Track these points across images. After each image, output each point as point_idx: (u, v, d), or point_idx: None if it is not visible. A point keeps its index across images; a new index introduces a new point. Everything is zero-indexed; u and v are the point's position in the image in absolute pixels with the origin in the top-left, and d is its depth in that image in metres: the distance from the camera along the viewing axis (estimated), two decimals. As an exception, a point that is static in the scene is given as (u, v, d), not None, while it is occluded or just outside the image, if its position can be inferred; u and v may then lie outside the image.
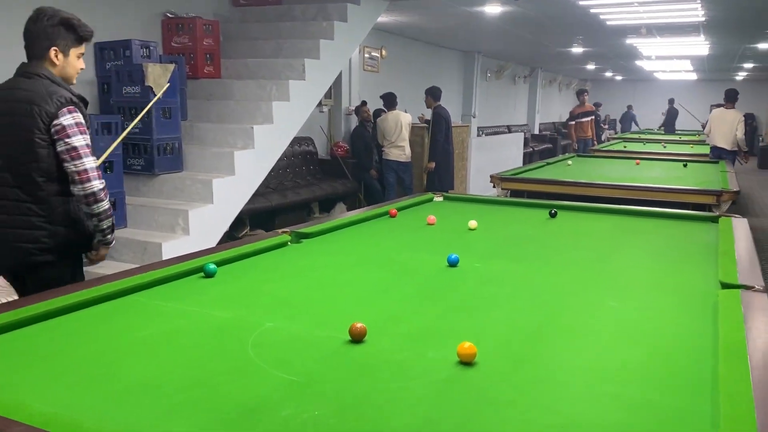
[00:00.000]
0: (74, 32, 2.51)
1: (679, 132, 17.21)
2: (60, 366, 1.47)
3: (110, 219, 2.57)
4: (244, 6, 6.42)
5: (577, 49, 11.89)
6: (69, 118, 2.42)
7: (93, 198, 2.48)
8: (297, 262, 2.45)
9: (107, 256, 2.76)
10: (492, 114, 14.00)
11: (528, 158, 12.21)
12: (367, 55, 9.14)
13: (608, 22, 8.00)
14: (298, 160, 7.39)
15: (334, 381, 1.39)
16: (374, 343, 1.59)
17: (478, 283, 2.20)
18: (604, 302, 2.00)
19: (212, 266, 2.18)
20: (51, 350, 1.56)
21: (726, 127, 8.07)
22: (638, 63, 14.64)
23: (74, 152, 2.42)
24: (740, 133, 7.95)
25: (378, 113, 8.47)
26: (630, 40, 9.80)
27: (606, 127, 17.32)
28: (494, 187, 5.37)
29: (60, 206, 2.49)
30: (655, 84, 21.64)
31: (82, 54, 2.58)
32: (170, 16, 5.59)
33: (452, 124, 7.88)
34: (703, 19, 7.43)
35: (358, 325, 1.60)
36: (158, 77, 4.49)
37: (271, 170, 5.21)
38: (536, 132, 16.57)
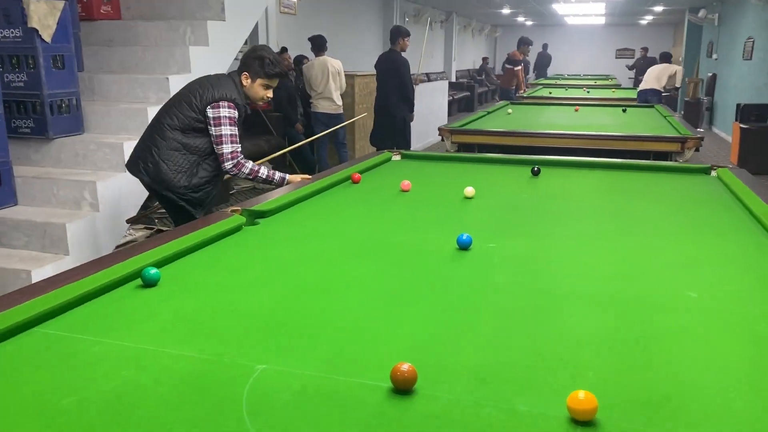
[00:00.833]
0: None
1: (591, 76, 17.42)
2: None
3: None
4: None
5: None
6: None
7: None
8: (264, 254, 1.87)
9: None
10: (412, 61, 13.42)
11: (450, 108, 11.81)
12: (283, -3, 8.30)
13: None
14: (215, 115, 6.59)
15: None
16: (430, 392, 1.07)
17: (517, 275, 1.70)
18: (686, 290, 1.56)
19: (153, 271, 1.57)
20: None
21: (659, 72, 8.74)
22: (554, 6, 14.46)
23: None
24: (678, 83, 8.72)
25: (300, 60, 7.72)
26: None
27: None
28: (443, 140, 4.89)
29: None
30: (565, 29, 21.75)
31: None
32: (53, -56, 4.61)
33: (360, 73, 7.32)
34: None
35: (405, 367, 1.07)
36: (44, 17, 3.63)
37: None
38: (453, 80, 16.19)
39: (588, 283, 1.63)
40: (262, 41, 7.48)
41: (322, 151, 7.03)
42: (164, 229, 4.48)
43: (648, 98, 8.17)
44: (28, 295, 1.41)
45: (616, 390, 1.08)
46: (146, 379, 1.13)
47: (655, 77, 8.64)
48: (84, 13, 4.57)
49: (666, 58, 9.33)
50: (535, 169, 3.09)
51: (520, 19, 19.66)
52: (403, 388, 1.07)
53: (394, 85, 6.45)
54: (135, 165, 2.99)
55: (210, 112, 2.90)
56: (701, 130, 10.11)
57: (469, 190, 2.59)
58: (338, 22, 9.93)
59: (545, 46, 17.37)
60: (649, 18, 18.88)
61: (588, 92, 10.22)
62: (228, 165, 2.95)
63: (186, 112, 2.92)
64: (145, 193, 3.88)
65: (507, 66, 10.51)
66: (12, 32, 3.68)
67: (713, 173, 3.11)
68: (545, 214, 2.38)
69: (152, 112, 3.85)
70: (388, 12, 11.97)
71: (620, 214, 2.36)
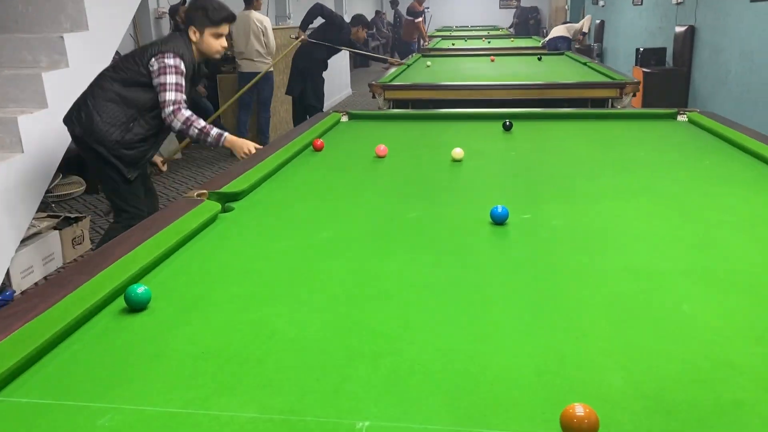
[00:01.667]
0: None
1: (479, 27, 17.49)
2: None
3: None
4: None
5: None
6: None
7: None
8: (268, 251, 1.49)
9: None
10: (302, 14, 12.77)
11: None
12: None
13: None
14: (106, 80, 5.81)
15: None
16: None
17: (586, 253, 1.44)
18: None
19: (141, 289, 1.17)
20: None
21: (566, 26, 9.10)
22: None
23: None
24: (585, 28, 8.98)
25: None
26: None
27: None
28: (374, 97, 4.55)
29: None
30: (450, -21, 21.63)
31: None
32: None
33: (272, 28, 6.77)
34: None
35: (579, 411, 0.78)
36: None
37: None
38: (346, 34, 15.62)
39: (673, 254, 1.40)
40: (151, -6, 6.68)
41: (244, 115, 6.45)
42: (70, 216, 3.87)
43: (558, 45, 8.17)
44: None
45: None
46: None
47: (564, 27, 8.68)
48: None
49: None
50: (507, 123, 2.85)
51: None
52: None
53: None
54: (69, 116, 2.84)
55: (154, 63, 2.75)
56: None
57: (458, 152, 2.31)
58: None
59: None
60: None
61: (489, 42, 10.14)
62: (167, 110, 2.75)
63: (129, 65, 2.80)
64: (46, 180, 3.28)
65: (408, 18, 10.19)
66: None
67: (681, 117, 3.02)
68: (551, 173, 2.15)
69: (49, 79, 3.22)
70: (279, -38, 11.22)
71: (629, 168, 2.17)
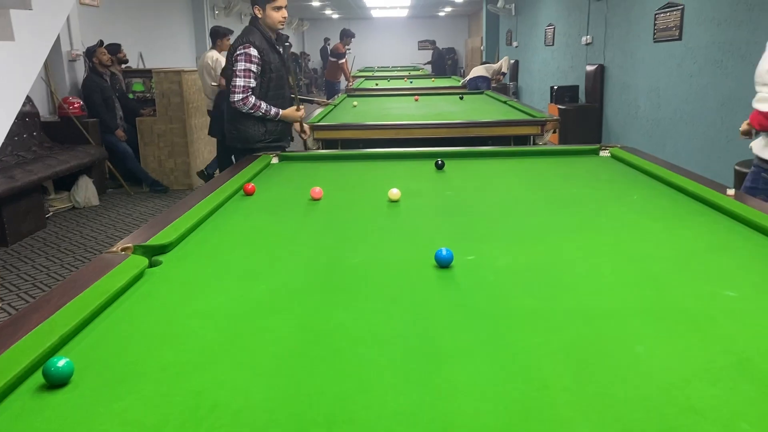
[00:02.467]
0: None
1: (400, 67, 17.89)
2: None
3: None
4: None
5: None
6: None
7: None
8: (199, 308, 1.39)
9: None
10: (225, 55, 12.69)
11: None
12: (82, -15, 7.22)
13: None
14: (16, 126, 5.49)
15: None
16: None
17: (539, 296, 1.42)
18: (719, 291, 1.39)
19: (62, 362, 1.05)
20: None
21: (485, 67, 9.09)
22: (364, -2, 14.50)
23: None
24: (505, 68, 8.97)
25: (116, 49, 6.80)
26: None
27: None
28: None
29: None
30: (370, 22, 22.11)
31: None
32: None
33: (187, 69, 6.69)
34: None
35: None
36: None
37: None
38: (269, 74, 15.60)
39: (620, 293, 1.40)
40: (63, 34, 6.43)
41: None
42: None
43: (478, 85, 8.40)
44: None
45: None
46: None
47: (483, 67, 8.91)
48: None
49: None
50: (439, 162, 2.85)
51: (328, 12, 19.57)
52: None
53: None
54: (220, 133, 3.69)
55: (236, 53, 3.36)
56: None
57: (395, 193, 2.28)
58: (144, 14, 8.97)
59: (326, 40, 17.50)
60: (447, 9, 19.81)
61: (411, 82, 10.34)
62: (236, 97, 3.33)
63: (228, 73, 3.43)
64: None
65: (332, 59, 10.29)
66: None
67: (603, 153, 3.12)
68: (489, 212, 2.16)
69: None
70: (198, 4, 11.13)
71: (563, 204, 2.20)
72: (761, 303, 1.34)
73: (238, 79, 3.34)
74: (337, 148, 4.20)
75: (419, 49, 23.09)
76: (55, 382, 1.03)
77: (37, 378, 1.06)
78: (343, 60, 10.01)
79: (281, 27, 3.48)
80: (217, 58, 6.18)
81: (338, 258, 1.69)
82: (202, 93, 6.92)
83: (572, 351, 1.14)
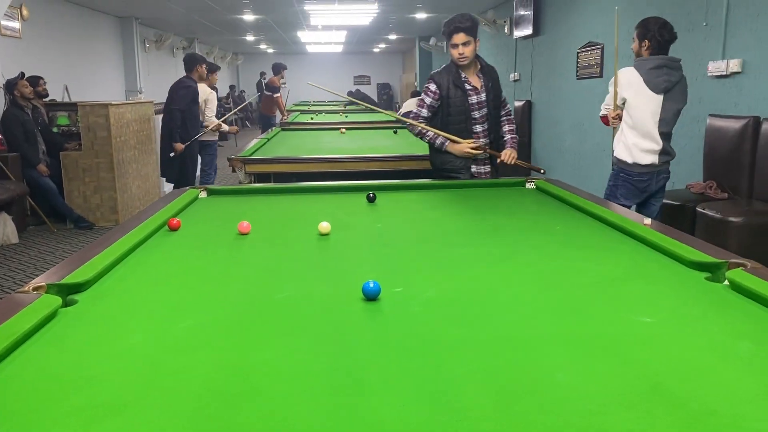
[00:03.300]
0: None
1: (336, 102, 18.00)
2: None
3: None
4: None
5: (248, 17, 11.20)
6: None
7: None
8: (112, 351, 1.33)
9: None
10: (156, 89, 12.46)
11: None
12: (4, 18, 6.98)
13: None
14: (-74, 160, 5.18)
15: None
16: None
17: (461, 325, 1.43)
18: (633, 317, 1.44)
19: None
20: None
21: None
22: (299, 33, 14.63)
23: None
24: None
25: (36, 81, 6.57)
26: (308, 6, 9.51)
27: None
28: (234, 171, 4.45)
29: None
30: (305, 57, 22.25)
31: None
32: None
33: (114, 102, 6.57)
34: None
35: None
36: None
37: None
38: (203, 108, 15.40)
39: (541, 321, 1.43)
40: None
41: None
42: None
43: None
44: None
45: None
46: None
47: (415, 101, 9.06)
48: None
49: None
50: (371, 195, 2.87)
51: (263, 46, 19.61)
52: None
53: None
54: None
55: None
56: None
57: (324, 226, 2.27)
58: (70, 46, 8.75)
59: (263, 74, 17.08)
60: (382, 46, 20.19)
61: (347, 117, 10.42)
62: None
63: None
64: None
65: (267, 93, 10.27)
66: None
67: (529, 185, 3.21)
68: (418, 244, 2.17)
69: None
70: (128, 37, 10.95)
71: (490, 235, 2.25)
72: (674, 328, 1.39)
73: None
74: (270, 181, 4.18)
75: (355, 84, 23.39)
76: None
77: (-71, 430, 0.98)
78: (278, 94, 10.02)
79: (462, 62, 3.50)
80: (206, 97, 6.29)
81: (264, 293, 1.66)
82: (130, 127, 6.77)
83: (494, 379, 1.15)
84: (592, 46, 6.39)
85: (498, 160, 3.60)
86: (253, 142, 5.28)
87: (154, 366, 1.23)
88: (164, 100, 6.16)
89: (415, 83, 16.82)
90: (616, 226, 2.27)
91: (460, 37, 3.42)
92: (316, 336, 1.37)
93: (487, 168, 3.66)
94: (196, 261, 2.01)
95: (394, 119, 9.46)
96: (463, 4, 9.49)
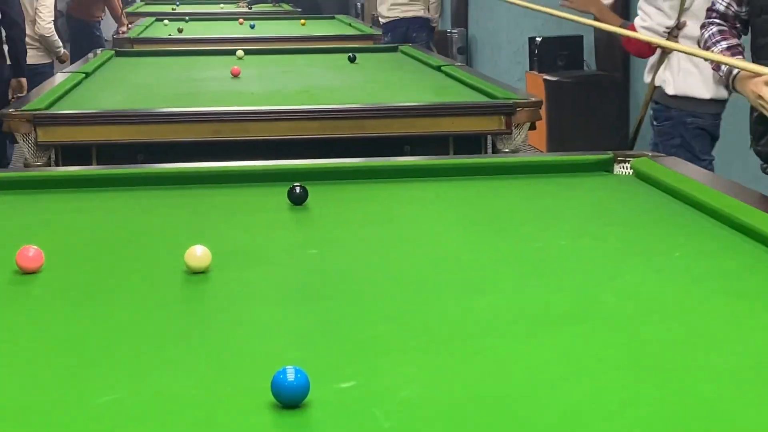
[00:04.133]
0: None
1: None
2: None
3: None
4: None
5: None
6: None
7: None
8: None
9: None
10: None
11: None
12: None
13: None
14: None
15: None
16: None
17: None
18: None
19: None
20: None
21: None
22: None
23: None
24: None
25: None
26: None
27: None
28: (16, 141, 2.59)
29: None
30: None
31: None
32: None
33: None
34: None
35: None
36: None
37: None
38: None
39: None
40: None
41: None
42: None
43: (413, 34, 5.30)
44: None
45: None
46: None
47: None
48: None
49: None
50: (297, 190, 1.60)
51: None
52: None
53: None
54: None
55: None
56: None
57: (198, 256, 1.18)
58: None
59: None
60: None
61: (253, 27, 6.95)
62: None
63: None
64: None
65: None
66: None
67: (620, 168, 1.89)
68: (390, 290, 1.17)
69: None
70: None
71: (543, 270, 1.22)
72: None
73: None
74: (90, 162, 2.42)
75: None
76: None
77: None
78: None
79: None
80: None
81: (78, 401, 0.79)
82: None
83: None
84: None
85: None
86: (57, 81, 2.90)
87: None
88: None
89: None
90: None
91: None
92: None
93: None
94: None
95: (366, 33, 6.00)
96: None
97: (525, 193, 1.82)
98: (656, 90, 2.69)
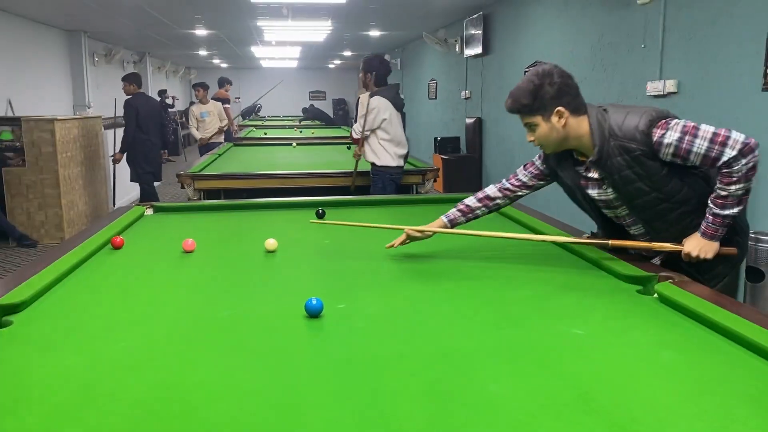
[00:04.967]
0: None
1: (291, 117, 18.03)
2: None
3: None
4: None
5: (200, 32, 11.10)
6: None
7: None
8: (46, 372, 1.30)
9: None
10: (105, 104, 12.22)
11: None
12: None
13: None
14: None
15: None
16: None
17: (400, 341, 1.45)
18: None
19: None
20: None
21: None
22: (252, 48, 14.56)
23: None
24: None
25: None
26: (261, 23, 9.48)
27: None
28: (183, 187, 4.41)
29: None
30: (260, 72, 22.16)
31: None
32: None
33: (60, 117, 6.43)
34: (344, 2, 7.51)
35: None
36: None
37: None
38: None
39: (485, 333, 1.47)
40: None
41: None
42: None
43: None
44: None
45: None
46: None
47: None
48: None
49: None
50: (320, 211, 2.88)
51: (216, 61, 19.44)
52: None
53: None
54: None
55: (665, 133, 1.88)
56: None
57: (271, 243, 2.27)
58: (15, 59, 8.51)
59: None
60: (337, 62, 20.27)
61: (301, 132, 10.43)
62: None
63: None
64: None
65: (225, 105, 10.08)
66: None
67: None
68: (364, 260, 2.19)
69: None
70: (76, 51, 10.71)
71: (433, 250, 2.28)
72: (604, 340, 1.44)
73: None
74: (219, 198, 4.15)
75: (310, 99, 23.36)
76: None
77: None
78: (228, 105, 9.84)
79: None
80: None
81: (207, 312, 1.66)
82: (77, 142, 6.65)
83: (430, 393, 1.17)
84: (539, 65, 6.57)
85: None
86: (204, 158, 5.22)
87: (87, 388, 1.21)
88: (113, 115, 6.07)
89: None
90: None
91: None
92: (256, 354, 1.37)
93: None
94: (138, 280, 1.98)
95: (348, 134, 9.53)
96: (414, 23, 9.63)
97: (427, 213, 2.53)
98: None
